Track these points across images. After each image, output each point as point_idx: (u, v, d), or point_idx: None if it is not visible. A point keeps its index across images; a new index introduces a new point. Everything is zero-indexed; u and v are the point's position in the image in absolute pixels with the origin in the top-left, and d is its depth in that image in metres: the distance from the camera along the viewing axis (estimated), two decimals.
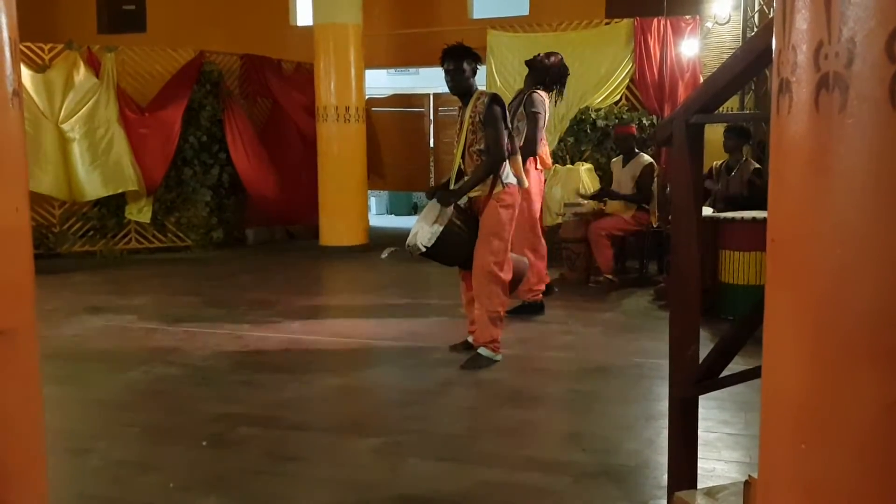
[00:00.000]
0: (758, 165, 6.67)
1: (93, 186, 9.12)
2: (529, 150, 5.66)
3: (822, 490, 1.06)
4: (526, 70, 6.10)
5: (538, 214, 5.98)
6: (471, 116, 4.58)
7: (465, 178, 4.59)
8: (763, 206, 6.13)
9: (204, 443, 3.50)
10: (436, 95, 11.51)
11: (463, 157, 4.64)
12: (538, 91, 5.81)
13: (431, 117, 11.76)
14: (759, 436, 1.23)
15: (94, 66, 9.24)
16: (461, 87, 4.61)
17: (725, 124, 6.73)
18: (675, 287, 2.51)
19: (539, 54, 6.05)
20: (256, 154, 10.08)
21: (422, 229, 4.53)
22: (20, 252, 1.62)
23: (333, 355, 5.09)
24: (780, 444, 1.15)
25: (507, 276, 4.60)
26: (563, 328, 5.68)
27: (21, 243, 1.63)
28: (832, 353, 1.04)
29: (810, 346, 1.07)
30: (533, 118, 5.71)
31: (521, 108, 5.77)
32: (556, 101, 6.07)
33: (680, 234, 2.41)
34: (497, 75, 9.52)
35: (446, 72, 4.63)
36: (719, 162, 6.79)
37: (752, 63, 2.11)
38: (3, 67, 1.52)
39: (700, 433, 2.56)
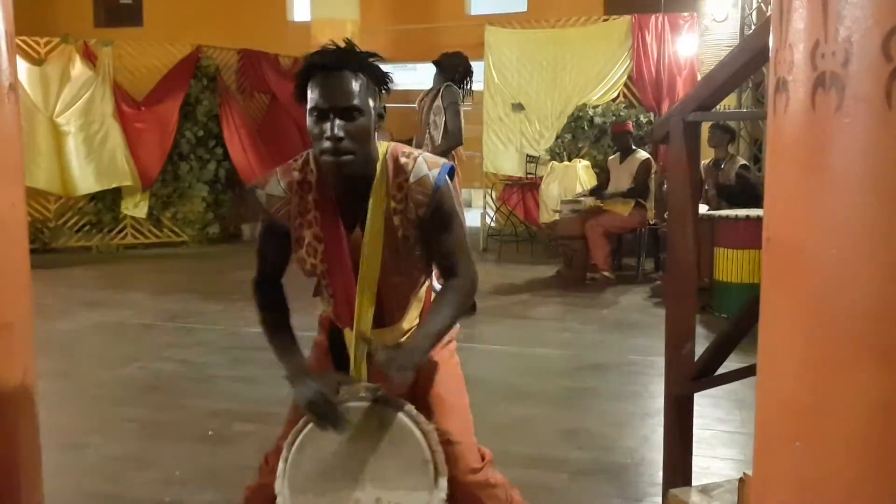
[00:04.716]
0: (744, 162, 7.00)
1: (86, 181, 9.09)
2: (455, 141, 5.48)
3: (816, 488, 1.06)
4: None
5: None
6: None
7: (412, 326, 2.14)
8: (753, 197, 6.15)
9: (210, 432, 3.56)
10: None
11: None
12: (453, 85, 5.63)
13: None
14: (754, 433, 1.23)
15: (91, 60, 9.20)
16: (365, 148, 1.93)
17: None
18: (671, 284, 2.52)
19: (445, 53, 5.91)
20: (254, 149, 10.06)
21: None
22: (16, 247, 1.62)
23: None
24: (775, 441, 1.15)
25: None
26: (560, 325, 5.68)
27: (17, 238, 1.63)
28: (828, 352, 1.04)
29: (806, 345, 1.07)
30: (452, 108, 5.50)
31: (439, 101, 5.56)
32: (463, 98, 5.80)
33: (676, 231, 2.41)
34: (495, 72, 9.50)
35: (333, 111, 1.86)
36: (707, 160, 6.87)
37: (749, 61, 2.11)
38: None
39: (695, 430, 2.56)
